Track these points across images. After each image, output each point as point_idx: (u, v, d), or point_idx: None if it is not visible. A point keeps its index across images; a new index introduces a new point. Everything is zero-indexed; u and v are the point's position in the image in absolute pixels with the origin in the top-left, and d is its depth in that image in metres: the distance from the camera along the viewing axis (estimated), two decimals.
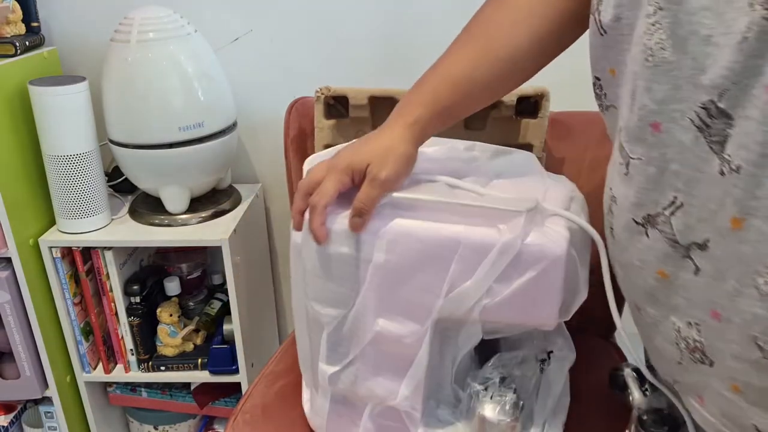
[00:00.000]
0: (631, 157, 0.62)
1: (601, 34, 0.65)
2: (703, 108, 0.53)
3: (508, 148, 0.94)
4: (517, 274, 0.74)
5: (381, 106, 1.12)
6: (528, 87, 1.07)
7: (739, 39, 0.50)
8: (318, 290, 0.82)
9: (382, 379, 0.83)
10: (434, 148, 0.87)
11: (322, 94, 1.12)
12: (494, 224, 0.74)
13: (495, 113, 1.11)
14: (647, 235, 0.62)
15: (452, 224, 0.75)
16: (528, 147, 1.10)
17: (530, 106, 1.10)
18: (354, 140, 0.84)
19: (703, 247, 0.57)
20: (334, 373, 0.84)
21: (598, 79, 0.70)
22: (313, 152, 1.20)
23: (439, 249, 0.75)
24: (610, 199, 0.68)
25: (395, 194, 0.78)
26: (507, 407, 0.79)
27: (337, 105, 1.14)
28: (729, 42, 0.50)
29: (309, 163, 0.87)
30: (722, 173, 0.53)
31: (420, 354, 0.79)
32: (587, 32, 0.82)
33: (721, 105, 0.52)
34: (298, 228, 0.81)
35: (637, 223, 0.63)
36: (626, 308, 1.17)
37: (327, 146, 1.15)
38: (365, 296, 0.79)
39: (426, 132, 0.80)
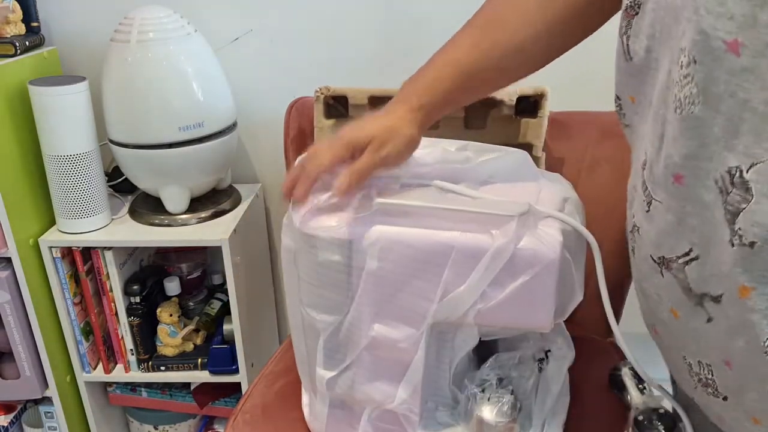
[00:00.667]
0: (654, 198, 0.59)
1: (626, 60, 0.63)
2: (728, 173, 0.50)
3: (502, 146, 0.93)
4: (510, 279, 0.74)
5: (381, 105, 1.12)
6: (528, 87, 1.08)
7: None
8: (312, 297, 0.82)
9: (380, 383, 0.83)
10: (426, 150, 0.87)
11: (322, 93, 1.12)
12: (487, 229, 0.74)
13: (495, 113, 1.11)
14: (662, 274, 0.60)
15: (444, 230, 0.75)
16: (528, 146, 1.10)
17: (530, 105, 1.10)
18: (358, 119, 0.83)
19: (717, 300, 0.54)
20: (332, 377, 0.84)
21: (618, 98, 0.68)
22: None
23: (432, 255, 0.75)
24: (633, 225, 0.65)
25: (387, 200, 0.77)
26: (504, 408, 0.79)
27: (336, 105, 1.15)
28: (765, 111, 0.46)
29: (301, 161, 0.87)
30: (732, 244, 0.50)
31: (416, 358, 0.79)
32: (592, 36, 0.82)
33: (746, 176, 0.48)
34: (287, 196, 0.79)
35: (653, 260, 0.61)
36: (625, 310, 1.17)
37: None
38: (359, 302, 0.79)
39: (430, 117, 0.79)
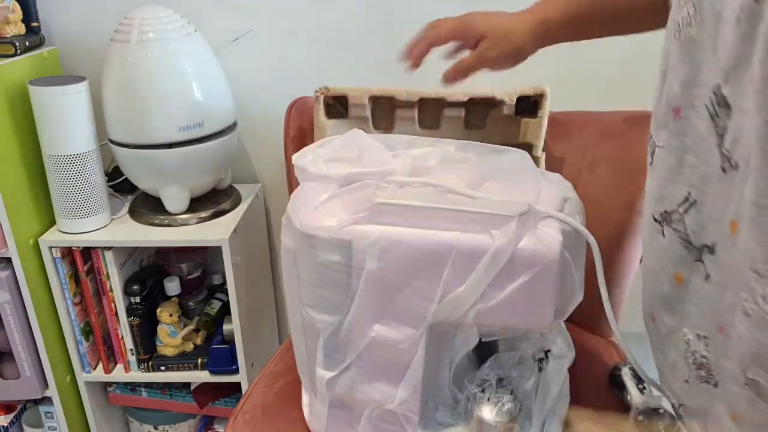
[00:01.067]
0: (657, 145, 0.59)
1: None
2: (714, 93, 0.50)
3: (502, 146, 0.93)
4: (510, 279, 0.74)
5: (381, 105, 1.12)
6: (527, 86, 1.08)
7: (734, 18, 0.46)
8: (312, 297, 0.81)
9: (380, 384, 0.83)
10: (426, 149, 0.87)
11: (322, 93, 1.12)
12: (487, 229, 0.74)
13: (495, 113, 1.11)
14: (663, 234, 0.60)
15: (444, 230, 0.75)
16: (527, 146, 1.10)
17: (530, 105, 1.10)
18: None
19: (712, 250, 0.55)
20: (332, 378, 0.84)
21: None
22: None
23: (432, 255, 0.75)
24: (643, 192, 0.67)
25: (387, 201, 0.77)
26: (504, 409, 0.79)
27: (336, 104, 1.15)
28: (731, 19, 0.47)
29: (298, 158, 0.87)
30: (724, 170, 0.50)
31: (416, 358, 0.79)
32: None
33: (723, 91, 0.49)
34: (408, 56, 0.86)
35: (655, 220, 0.61)
36: (624, 309, 1.17)
37: None
38: (359, 303, 0.78)
39: (550, 36, 0.82)
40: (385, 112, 1.12)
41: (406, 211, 0.77)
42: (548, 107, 1.09)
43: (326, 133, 1.14)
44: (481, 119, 1.11)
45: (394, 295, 0.77)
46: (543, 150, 1.12)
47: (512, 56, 0.82)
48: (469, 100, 1.09)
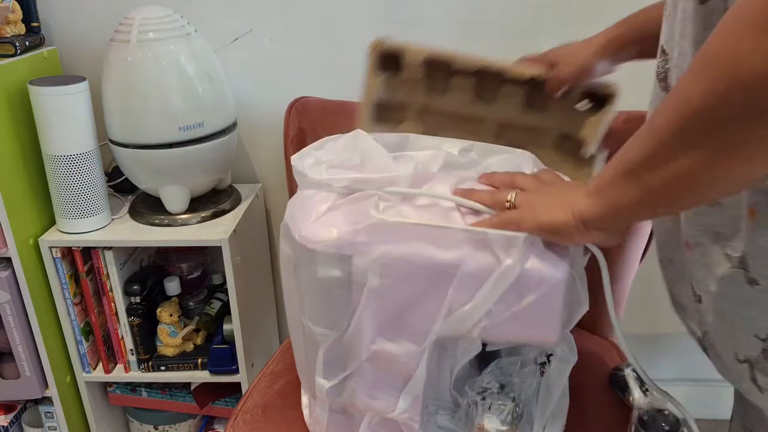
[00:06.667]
0: None
1: None
2: (661, 49, 0.57)
3: (508, 147, 0.90)
4: (517, 299, 0.72)
5: (437, 68, 1.00)
6: (599, 82, 0.99)
7: None
8: (312, 310, 0.80)
9: (381, 393, 0.81)
10: (429, 153, 0.84)
11: (377, 47, 1.00)
12: (492, 250, 0.72)
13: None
14: None
15: (448, 249, 0.72)
16: (580, 143, 0.97)
17: (597, 100, 0.97)
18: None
19: None
20: (332, 386, 0.83)
21: None
22: None
23: (435, 275, 0.73)
24: None
25: (388, 219, 0.74)
26: (506, 416, 0.78)
27: (388, 62, 1.01)
28: None
29: (297, 160, 0.84)
30: None
31: (418, 371, 0.78)
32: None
33: (661, 41, 0.56)
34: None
35: None
36: (625, 310, 1.17)
37: (373, 105, 1.03)
38: (360, 318, 0.77)
39: (610, 46, 0.90)
40: (439, 78, 1.01)
41: (411, 228, 0.74)
42: (614, 110, 0.96)
43: (373, 95, 1.03)
44: (542, 101, 1.00)
45: (396, 311, 0.76)
46: (599, 150, 0.98)
47: (578, 72, 0.90)
48: (530, 79, 0.97)
